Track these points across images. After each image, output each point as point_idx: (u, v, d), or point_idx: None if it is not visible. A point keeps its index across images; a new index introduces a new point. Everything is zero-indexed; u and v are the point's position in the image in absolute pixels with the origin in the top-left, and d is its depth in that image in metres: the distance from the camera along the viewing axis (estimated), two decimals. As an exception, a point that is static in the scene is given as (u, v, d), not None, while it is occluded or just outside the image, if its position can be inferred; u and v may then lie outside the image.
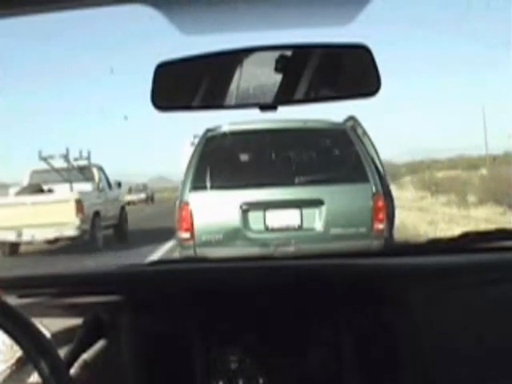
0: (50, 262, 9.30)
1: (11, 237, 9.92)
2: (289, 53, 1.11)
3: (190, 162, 5.14)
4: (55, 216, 9.70)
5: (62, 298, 1.42)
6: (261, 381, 1.33)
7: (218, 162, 5.16)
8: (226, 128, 5.28)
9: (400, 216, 7.14)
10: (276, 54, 1.10)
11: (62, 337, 1.29)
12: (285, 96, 1.11)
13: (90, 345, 1.30)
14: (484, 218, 11.85)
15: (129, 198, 25.04)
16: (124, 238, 11.80)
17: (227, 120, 5.35)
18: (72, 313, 1.36)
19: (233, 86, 1.12)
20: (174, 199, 5.54)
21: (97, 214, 10.66)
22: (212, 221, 4.99)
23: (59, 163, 11.27)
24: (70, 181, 10.78)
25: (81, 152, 11.28)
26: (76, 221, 9.95)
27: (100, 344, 1.33)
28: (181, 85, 1.14)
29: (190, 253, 4.95)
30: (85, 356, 1.27)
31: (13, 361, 1.21)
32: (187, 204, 5.00)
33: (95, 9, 1.02)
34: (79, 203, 10.05)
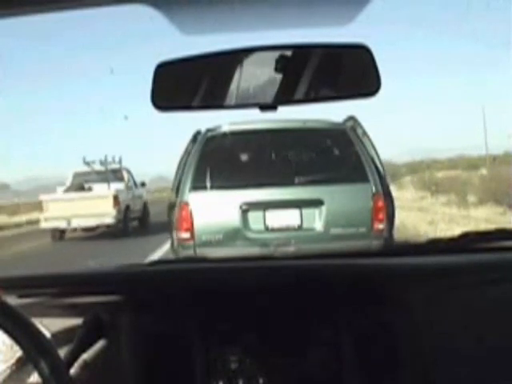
0: (95, 245, 12.00)
1: (63, 225, 12.52)
2: (289, 53, 1.11)
3: (190, 162, 5.13)
4: (97, 208, 12.27)
5: (62, 297, 1.42)
6: (261, 381, 1.33)
7: (218, 162, 5.16)
8: (226, 128, 5.28)
9: (400, 216, 7.13)
10: (276, 53, 1.10)
11: (62, 337, 1.29)
12: (285, 96, 1.11)
13: (90, 345, 1.30)
14: (484, 218, 11.83)
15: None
16: (146, 228, 13.96)
17: (227, 120, 5.35)
18: (72, 313, 1.36)
19: (233, 86, 1.11)
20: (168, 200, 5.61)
21: (127, 207, 13.12)
22: (212, 221, 4.98)
23: (97, 166, 14.22)
24: (107, 180, 13.53)
25: (113, 157, 14.26)
26: (113, 212, 12.45)
27: (100, 344, 1.33)
28: (181, 85, 1.14)
29: (189, 253, 4.94)
30: (85, 356, 1.27)
31: (13, 361, 1.21)
32: (187, 204, 5.00)
33: (95, 9, 1.02)
34: (116, 198, 12.60)
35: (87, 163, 14.33)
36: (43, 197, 13.04)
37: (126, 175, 14.23)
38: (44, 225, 12.83)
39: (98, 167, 14.19)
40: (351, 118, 5.55)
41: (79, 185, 13.84)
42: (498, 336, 1.28)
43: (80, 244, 12.64)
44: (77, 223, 12.48)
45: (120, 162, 14.32)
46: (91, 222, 12.53)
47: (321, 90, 1.13)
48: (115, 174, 13.95)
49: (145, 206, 14.54)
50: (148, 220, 14.52)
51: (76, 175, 14.33)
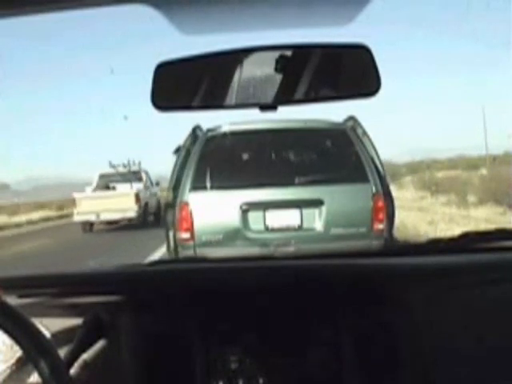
0: (119, 234, 14.20)
1: (93, 218, 14.57)
2: (289, 53, 1.11)
3: (190, 162, 5.13)
4: (121, 204, 14.32)
5: (62, 297, 1.42)
6: (261, 381, 1.33)
7: (218, 162, 5.16)
8: (226, 128, 5.27)
9: (400, 216, 7.12)
10: (276, 54, 1.10)
11: (62, 337, 1.29)
12: (285, 96, 1.11)
13: (90, 345, 1.30)
14: (484, 218, 11.81)
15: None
16: (160, 221, 15.81)
17: (227, 120, 5.35)
18: (72, 313, 1.36)
19: (233, 86, 1.12)
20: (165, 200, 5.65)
21: (146, 204, 15.26)
22: (212, 221, 4.98)
23: (113, 169, 16.56)
24: (130, 181, 15.69)
25: (134, 161, 16.72)
26: (135, 207, 14.58)
27: (100, 344, 1.33)
28: (181, 85, 1.14)
29: (189, 253, 4.95)
30: (85, 356, 1.27)
31: (13, 361, 1.21)
32: (187, 204, 5.00)
33: (95, 9, 1.02)
34: (137, 196, 14.72)
35: (113, 166, 16.79)
36: (76, 195, 14.97)
37: (144, 176, 16.36)
38: (77, 218, 14.82)
39: (121, 169, 16.53)
40: (351, 118, 5.55)
41: (105, 184, 16.36)
42: (498, 336, 1.28)
43: (107, 235, 14.57)
44: (104, 217, 14.55)
45: (139, 164, 16.76)
46: (116, 216, 14.67)
47: (321, 90, 1.13)
48: (135, 175, 16.14)
49: (159, 202, 16.06)
50: (161, 215, 15.69)
51: (101, 176, 16.64)
